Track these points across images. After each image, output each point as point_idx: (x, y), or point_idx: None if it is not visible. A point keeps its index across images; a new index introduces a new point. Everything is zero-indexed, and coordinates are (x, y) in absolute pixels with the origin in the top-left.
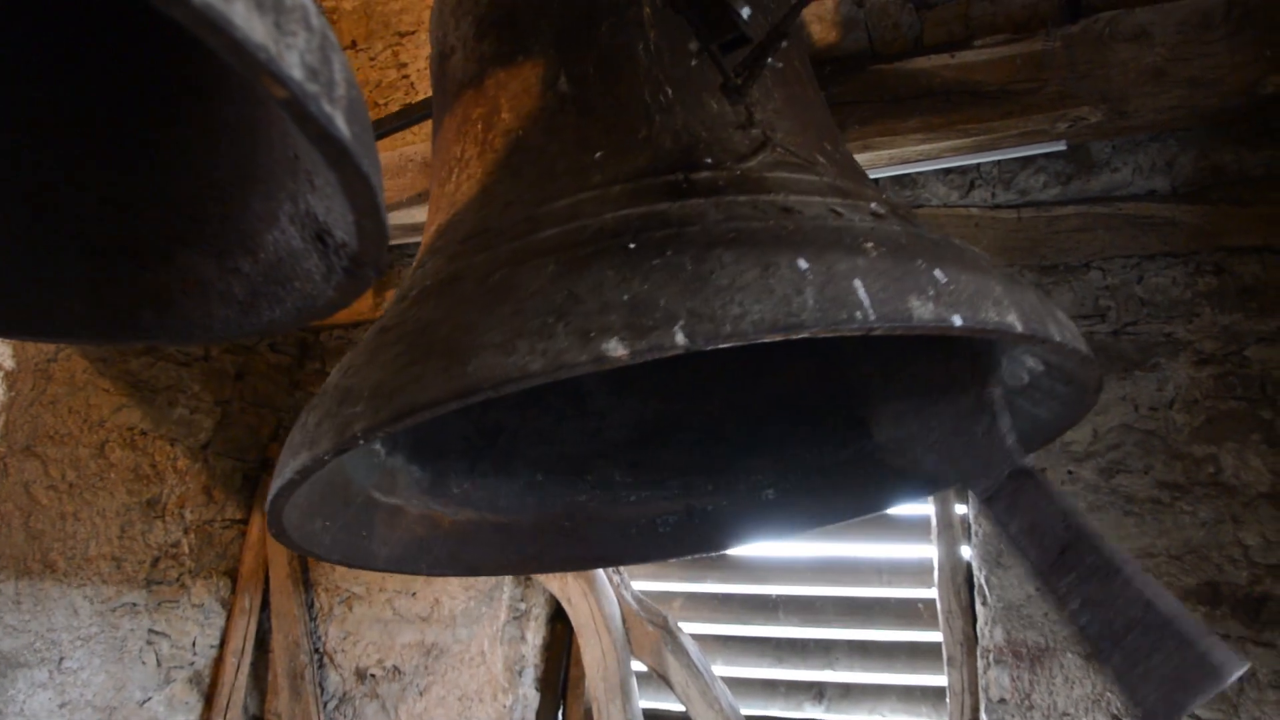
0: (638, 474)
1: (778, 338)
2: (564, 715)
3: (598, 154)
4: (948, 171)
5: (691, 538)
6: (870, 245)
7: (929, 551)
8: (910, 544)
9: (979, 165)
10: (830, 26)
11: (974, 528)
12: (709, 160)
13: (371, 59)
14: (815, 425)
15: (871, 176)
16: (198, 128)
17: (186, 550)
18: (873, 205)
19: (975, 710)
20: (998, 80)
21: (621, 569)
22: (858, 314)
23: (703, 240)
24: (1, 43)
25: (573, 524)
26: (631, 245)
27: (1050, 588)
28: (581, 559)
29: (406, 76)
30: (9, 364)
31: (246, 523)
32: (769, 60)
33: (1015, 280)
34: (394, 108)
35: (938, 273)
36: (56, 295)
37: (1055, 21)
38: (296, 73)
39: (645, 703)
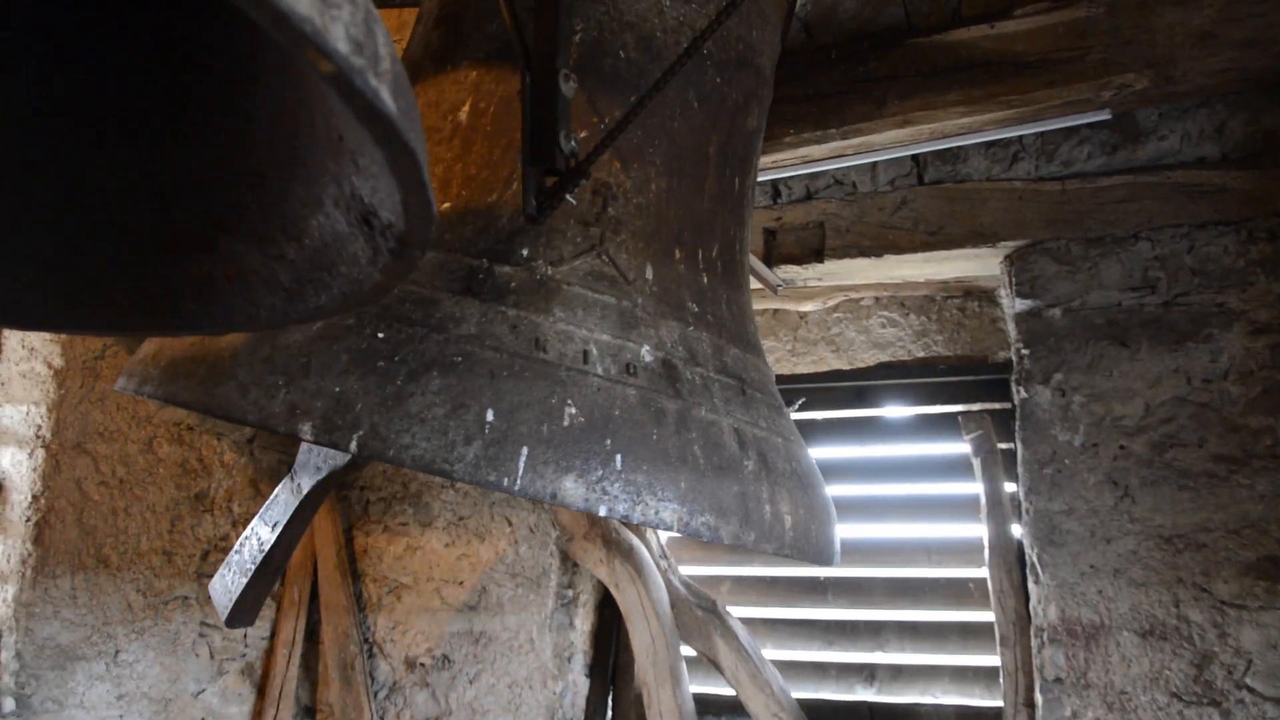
0: None
1: (431, 473)
2: (614, 701)
3: (446, 205)
4: (990, 145)
5: None
6: (573, 412)
7: (978, 530)
8: (959, 523)
9: (1021, 137)
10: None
11: (1024, 505)
12: (525, 253)
13: (399, 39)
14: None
15: (912, 152)
16: (235, 113)
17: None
18: (644, 350)
19: (1030, 690)
20: (1039, 50)
21: (669, 554)
22: (505, 480)
23: (431, 355)
24: (36, 31)
25: None
26: (380, 335)
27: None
28: None
29: None
30: (58, 362)
31: None
32: (570, 195)
33: (729, 472)
34: None
35: (618, 458)
36: (97, 287)
37: None
38: (342, 46)
39: (695, 687)
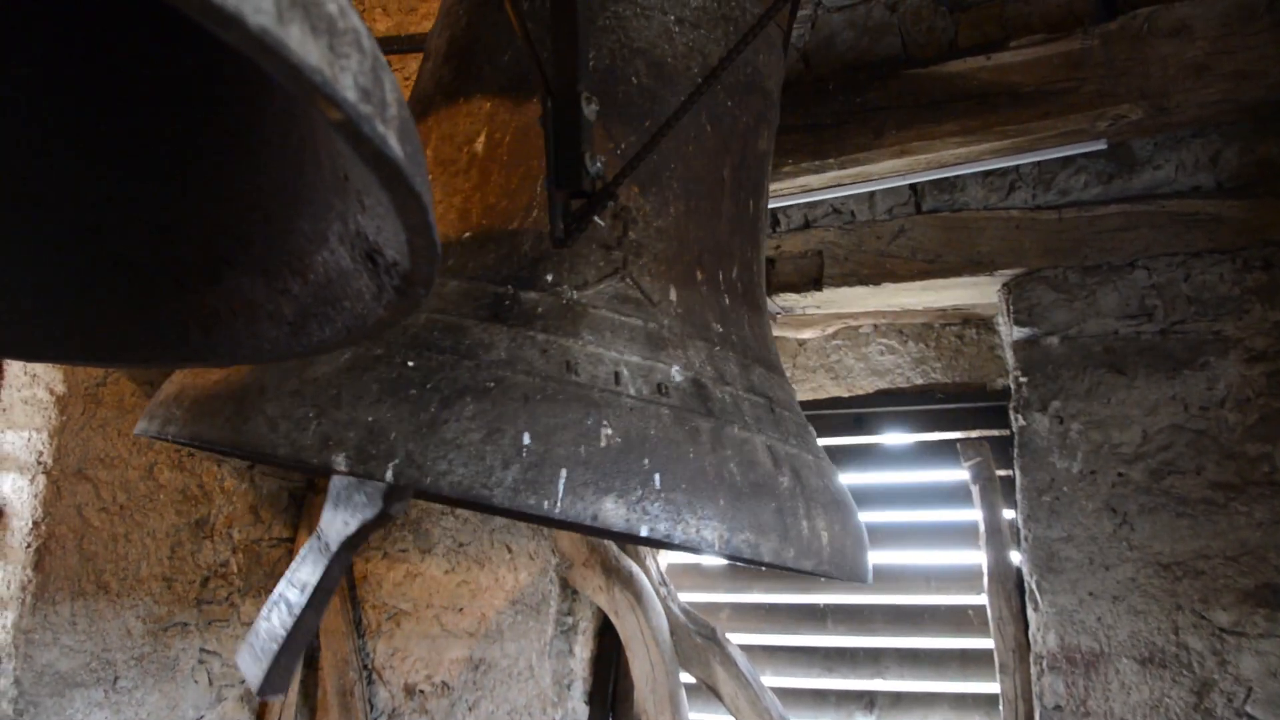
0: None
1: (469, 500)
2: None
3: (466, 234)
4: (987, 174)
5: None
6: (609, 433)
7: (977, 557)
8: (958, 550)
9: (1018, 167)
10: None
11: (1023, 533)
12: (549, 278)
13: (406, 79)
14: None
15: (910, 182)
16: (243, 149)
17: (235, 570)
18: (674, 370)
19: (1030, 718)
20: (1035, 81)
21: (668, 582)
22: (545, 503)
23: (463, 381)
24: (49, 71)
25: None
26: (410, 363)
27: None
28: None
29: None
30: (60, 389)
31: (294, 541)
32: (597, 217)
33: (766, 489)
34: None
35: (657, 477)
36: (104, 319)
37: (1092, 19)
38: (350, 95)
39: (694, 714)
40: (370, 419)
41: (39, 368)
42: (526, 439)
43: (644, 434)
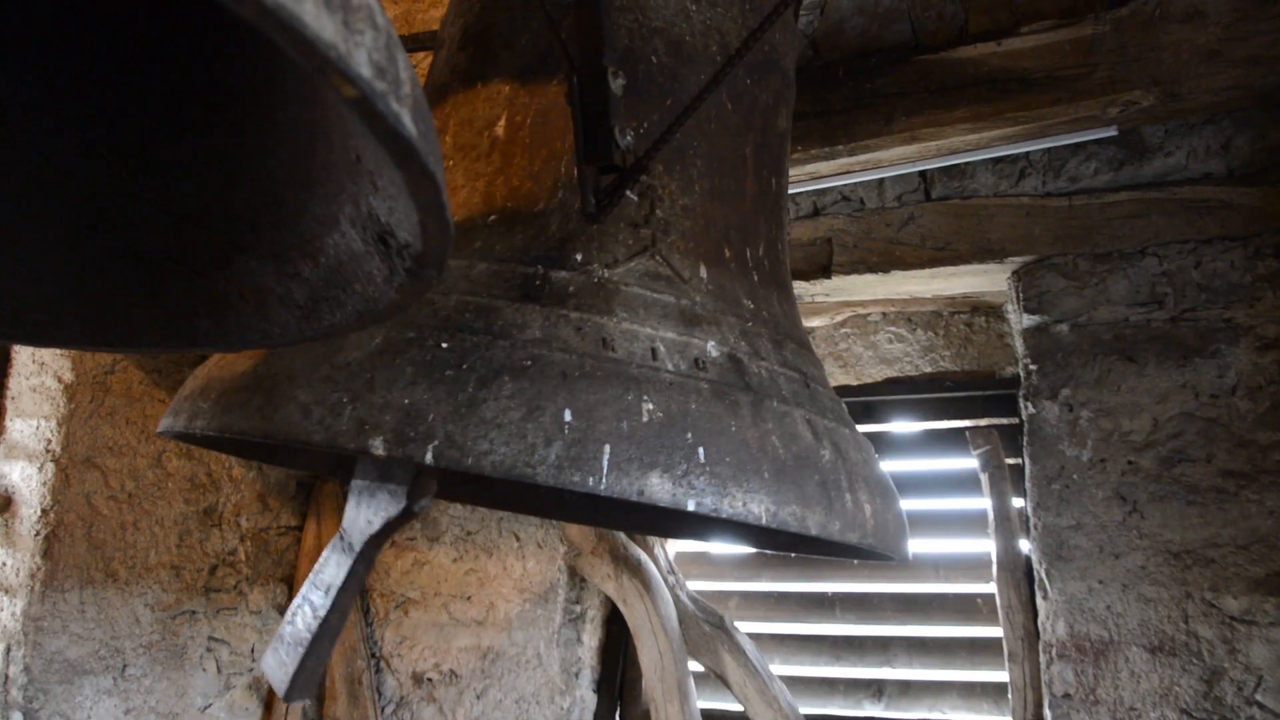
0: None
1: (512, 479)
2: (621, 717)
3: (492, 217)
4: (997, 161)
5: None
6: (650, 408)
7: (986, 546)
8: (967, 538)
9: (1028, 153)
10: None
11: (1032, 521)
12: (579, 258)
13: (429, 75)
14: None
15: (920, 168)
16: (254, 133)
17: (243, 558)
18: (709, 346)
19: (1039, 706)
20: (1046, 67)
21: (676, 570)
22: (590, 480)
23: (499, 361)
24: (56, 51)
25: None
26: (444, 345)
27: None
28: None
29: None
30: (68, 377)
31: (301, 530)
32: (627, 192)
33: (808, 462)
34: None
35: (701, 451)
36: (112, 305)
37: (1103, 4)
38: (365, 71)
39: (703, 703)
40: (406, 401)
41: (47, 356)
42: (568, 415)
43: (685, 408)
